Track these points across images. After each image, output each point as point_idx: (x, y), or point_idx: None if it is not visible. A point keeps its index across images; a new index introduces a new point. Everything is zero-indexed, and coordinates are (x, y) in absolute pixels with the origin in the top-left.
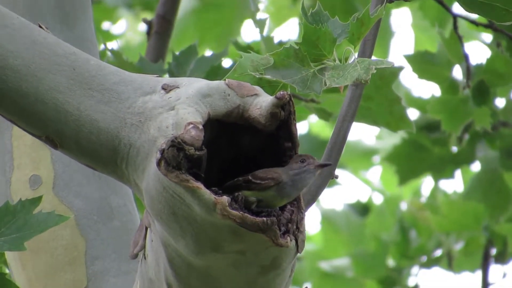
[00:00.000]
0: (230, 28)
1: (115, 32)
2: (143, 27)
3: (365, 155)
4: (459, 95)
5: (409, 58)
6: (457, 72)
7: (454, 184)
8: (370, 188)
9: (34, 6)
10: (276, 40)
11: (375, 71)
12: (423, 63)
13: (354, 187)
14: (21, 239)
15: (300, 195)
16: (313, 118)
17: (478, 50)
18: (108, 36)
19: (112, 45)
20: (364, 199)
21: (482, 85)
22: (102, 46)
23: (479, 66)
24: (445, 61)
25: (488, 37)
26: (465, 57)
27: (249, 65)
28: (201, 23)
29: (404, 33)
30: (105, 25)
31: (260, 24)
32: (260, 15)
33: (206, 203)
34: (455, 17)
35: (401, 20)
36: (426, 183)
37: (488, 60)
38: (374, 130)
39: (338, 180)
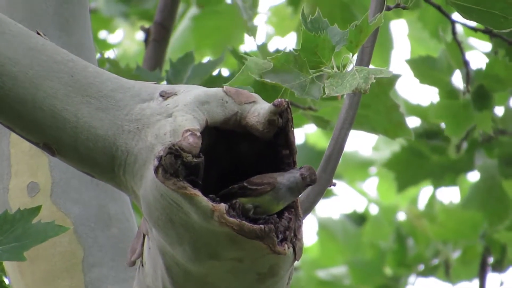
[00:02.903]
0: (229, 36)
1: (112, 41)
2: (140, 35)
3: (361, 166)
4: (460, 100)
5: (410, 63)
6: (457, 78)
7: (451, 194)
8: (366, 200)
9: (33, 13)
10: (273, 48)
11: (374, 81)
12: (424, 68)
13: (351, 197)
14: (20, 248)
15: (298, 202)
16: (310, 129)
17: (476, 59)
18: (105, 45)
19: (110, 53)
20: (360, 210)
21: (482, 90)
22: (99, 55)
23: (479, 71)
24: (446, 66)
25: (484, 46)
26: (465, 63)
27: (254, 68)
28: (198, 31)
29: (399, 44)
30: (102, 34)
31: (252, 31)
32: (251, 23)
33: (204, 211)
34: (453, 22)
35: (397, 30)
36: (423, 192)
37: (488, 65)
38: (371, 141)
39: (334, 190)
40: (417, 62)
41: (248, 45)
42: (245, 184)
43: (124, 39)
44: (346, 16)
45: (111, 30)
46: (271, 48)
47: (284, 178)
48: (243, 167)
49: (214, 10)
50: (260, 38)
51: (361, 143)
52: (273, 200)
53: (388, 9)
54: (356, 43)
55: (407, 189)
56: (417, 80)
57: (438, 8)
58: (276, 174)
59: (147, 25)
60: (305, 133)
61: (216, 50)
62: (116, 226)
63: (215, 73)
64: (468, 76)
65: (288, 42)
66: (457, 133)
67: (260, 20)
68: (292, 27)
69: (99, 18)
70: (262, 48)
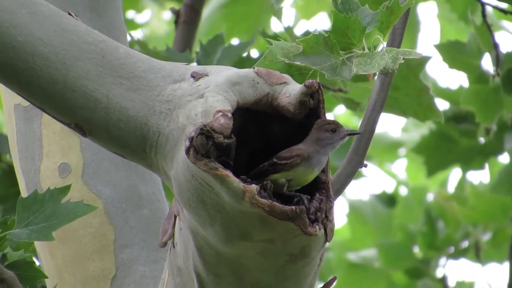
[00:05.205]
0: (259, 21)
1: (139, 21)
2: (167, 16)
3: (390, 148)
4: (489, 84)
5: (439, 47)
6: (486, 61)
7: (481, 176)
8: (395, 181)
9: None
10: (300, 31)
11: (402, 61)
12: (454, 52)
13: (380, 179)
14: (49, 228)
15: (329, 183)
16: (338, 110)
17: (505, 41)
18: (132, 24)
19: (137, 34)
20: (389, 191)
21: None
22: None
23: (508, 54)
24: (475, 50)
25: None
26: (495, 46)
27: (279, 52)
28: (229, 17)
29: (429, 25)
30: (130, 14)
31: (278, 14)
32: (277, 6)
33: (235, 191)
34: (483, 4)
35: (427, 11)
36: (453, 175)
37: None
38: (400, 122)
39: (363, 171)
40: (446, 47)
41: (275, 29)
42: (275, 160)
43: (152, 19)
44: None
45: (138, 10)
46: (297, 31)
47: (311, 147)
48: (274, 146)
49: None
50: (288, 21)
51: (390, 124)
52: (307, 169)
53: None
54: (387, 24)
55: (437, 173)
56: (446, 64)
57: None
58: (301, 144)
59: (175, 6)
60: (333, 114)
61: (247, 35)
62: (147, 207)
63: (244, 54)
64: (497, 59)
65: (314, 25)
66: (488, 119)
67: (287, 3)
68: (318, 10)
69: None
70: (289, 30)
